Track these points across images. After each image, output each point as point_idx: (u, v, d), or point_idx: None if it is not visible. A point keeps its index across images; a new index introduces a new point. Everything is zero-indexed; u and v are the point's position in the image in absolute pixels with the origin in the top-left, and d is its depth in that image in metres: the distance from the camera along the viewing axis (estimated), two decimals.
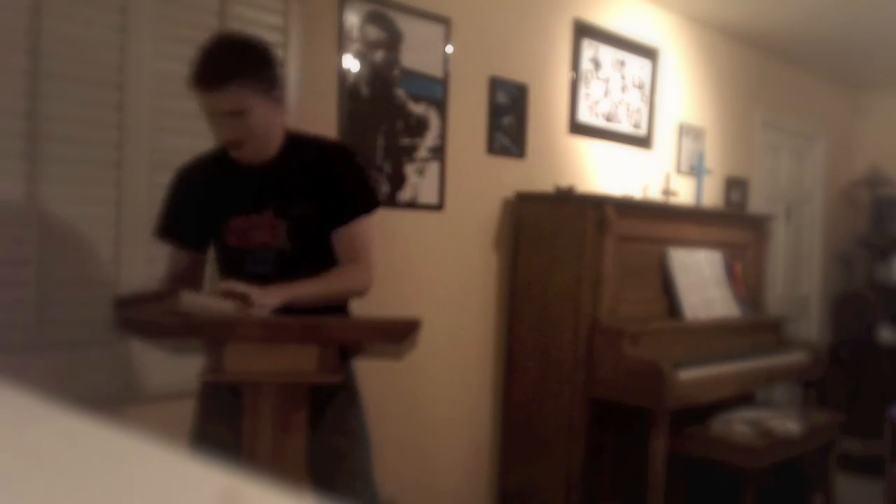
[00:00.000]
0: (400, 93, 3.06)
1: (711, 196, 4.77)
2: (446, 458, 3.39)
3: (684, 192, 4.45)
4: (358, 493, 2.00)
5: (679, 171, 4.50)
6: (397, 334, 1.71)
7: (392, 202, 3.05)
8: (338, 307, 2.04)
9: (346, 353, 1.88)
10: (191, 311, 1.62)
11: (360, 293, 1.91)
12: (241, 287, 1.71)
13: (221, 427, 1.86)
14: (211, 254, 2.02)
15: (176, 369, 2.35)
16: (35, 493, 0.34)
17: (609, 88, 4.05)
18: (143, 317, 1.67)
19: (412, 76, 3.10)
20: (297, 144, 1.89)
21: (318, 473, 1.98)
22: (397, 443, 3.08)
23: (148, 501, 0.35)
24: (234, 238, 1.89)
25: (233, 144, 1.78)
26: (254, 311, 1.69)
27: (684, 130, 4.59)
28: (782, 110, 5.50)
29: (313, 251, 1.89)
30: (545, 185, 3.64)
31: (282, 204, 1.84)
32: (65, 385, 2.15)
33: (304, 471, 1.76)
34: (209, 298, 1.71)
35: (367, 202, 1.91)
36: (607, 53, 4.01)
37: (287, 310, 1.75)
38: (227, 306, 1.66)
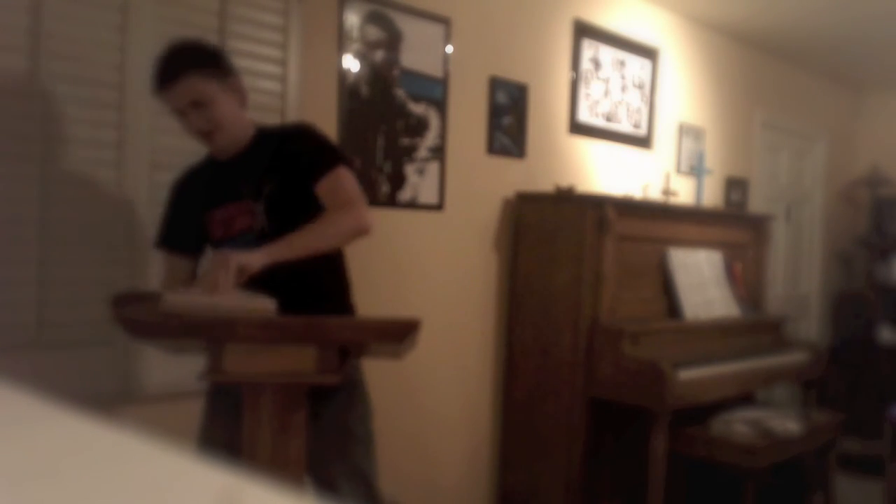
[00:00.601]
0: (400, 93, 3.06)
1: (711, 196, 4.77)
2: (446, 458, 3.39)
3: (684, 192, 4.45)
4: (360, 492, 2.00)
5: (679, 171, 4.50)
6: (397, 334, 1.71)
7: (392, 202, 3.05)
8: (341, 301, 2.04)
9: (350, 352, 1.89)
10: (177, 310, 1.60)
11: (356, 233, 1.86)
12: (217, 258, 1.68)
13: (228, 427, 1.86)
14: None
15: (176, 369, 2.35)
16: (35, 493, 0.34)
17: (609, 88, 4.05)
18: (143, 317, 1.67)
19: (412, 76, 3.10)
20: (266, 134, 2.00)
21: (320, 472, 1.98)
22: (398, 442, 3.08)
23: (148, 501, 0.35)
24: (219, 229, 1.95)
25: (204, 137, 1.90)
26: (241, 288, 1.66)
27: (684, 130, 4.59)
28: (782, 110, 5.50)
29: (293, 229, 1.86)
30: (545, 185, 3.64)
31: (255, 187, 1.92)
32: (65, 385, 2.15)
33: (304, 471, 1.77)
34: (191, 293, 1.70)
35: (331, 158, 1.95)
36: (607, 53, 4.01)
37: (290, 293, 1.73)
38: (208, 299, 1.63)
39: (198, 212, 1.97)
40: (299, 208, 1.90)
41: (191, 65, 1.85)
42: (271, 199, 1.91)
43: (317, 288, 1.97)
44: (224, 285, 1.61)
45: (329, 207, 1.88)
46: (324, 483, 1.99)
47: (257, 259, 1.69)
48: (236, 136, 1.94)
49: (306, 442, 1.91)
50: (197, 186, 2.01)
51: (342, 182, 1.91)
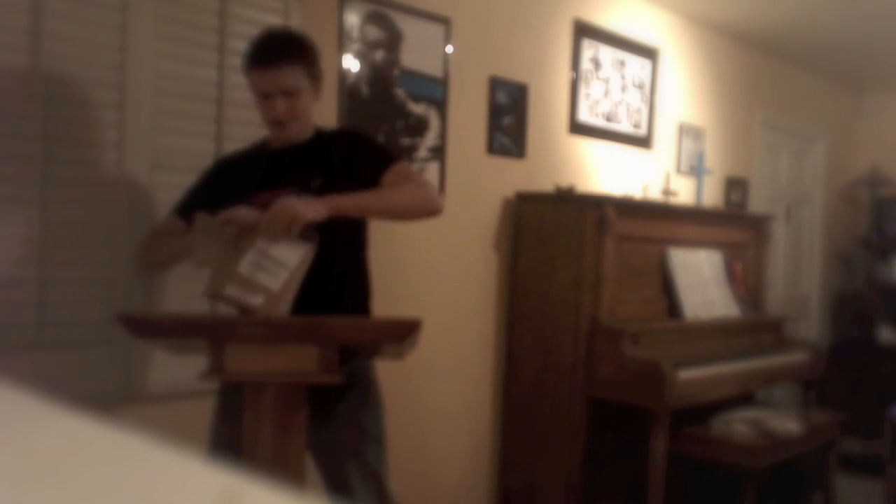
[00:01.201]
0: (400, 93, 3.06)
1: (711, 196, 4.77)
2: (447, 458, 3.39)
3: (684, 192, 4.45)
4: (372, 491, 2.00)
5: (679, 171, 4.50)
6: (398, 334, 1.71)
7: None
8: (359, 306, 2.05)
9: (362, 353, 1.89)
10: (207, 233, 1.69)
11: (426, 207, 1.95)
12: (282, 204, 1.74)
13: (233, 427, 1.86)
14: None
15: (176, 369, 2.35)
16: (36, 493, 0.34)
17: (609, 88, 4.05)
18: (146, 317, 1.67)
19: (412, 76, 3.10)
20: (323, 134, 2.08)
21: (333, 471, 1.99)
22: (398, 441, 3.07)
23: (148, 501, 0.35)
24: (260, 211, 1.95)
25: (277, 124, 1.96)
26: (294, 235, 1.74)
27: (684, 130, 4.59)
28: (782, 110, 5.50)
29: (334, 225, 1.90)
30: (545, 185, 3.64)
31: (305, 179, 1.96)
32: (65, 385, 2.15)
33: (304, 470, 1.77)
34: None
35: (391, 154, 2.06)
36: (607, 53, 4.01)
37: (314, 296, 1.78)
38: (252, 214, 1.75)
39: (241, 193, 1.96)
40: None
41: (294, 55, 1.93)
42: (319, 192, 1.94)
43: (341, 292, 1.98)
44: (282, 233, 1.72)
45: (396, 184, 1.95)
46: (336, 481, 1.99)
47: (318, 210, 1.76)
48: (302, 130, 2.02)
49: (322, 440, 1.92)
50: (243, 170, 2.05)
51: (409, 170, 2.04)
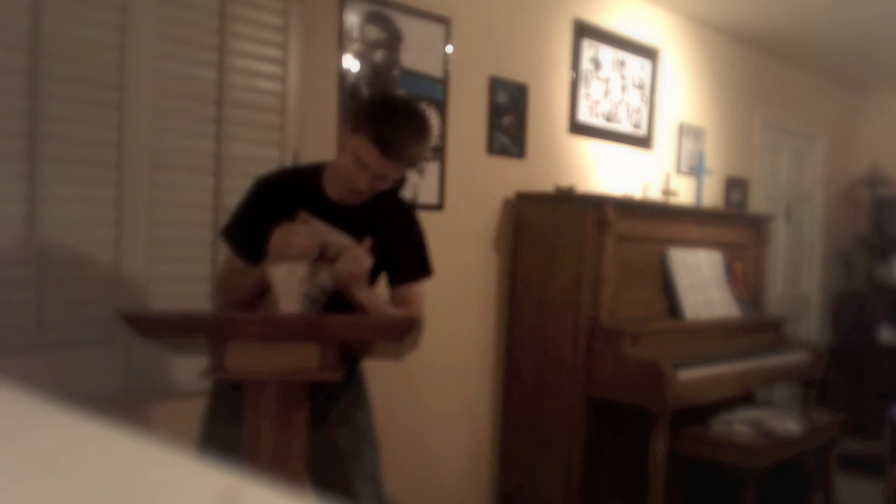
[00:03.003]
0: (400, 93, 3.06)
1: (711, 196, 4.76)
2: (446, 458, 3.39)
3: (684, 192, 4.45)
4: (366, 493, 2.00)
5: (679, 171, 4.50)
6: (397, 332, 1.71)
7: None
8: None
9: (354, 354, 1.89)
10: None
11: (396, 337, 1.81)
12: (356, 255, 1.78)
13: (231, 428, 1.86)
14: None
15: (176, 369, 2.35)
16: (36, 493, 0.34)
17: (609, 88, 4.05)
18: (147, 315, 1.67)
19: (412, 76, 3.10)
20: (380, 198, 1.97)
21: (327, 473, 1.98)
22: (398, 441, 3.07)
23: (148, 501, 0.35)
24: None
25: (356, 192, 1.87)
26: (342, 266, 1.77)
27: (684, 130, 4.59)
28: (782, 110, 5.50)
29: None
30: (545, 185, 3.64)
31: (357, 237, 1.87)
32: (65, 385, 2.15)
33: (305, 469, 1.77)
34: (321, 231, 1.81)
35: (426, 267, 2.04)
36: (607, 53, 4.01)
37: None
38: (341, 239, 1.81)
39: (274, 222, 1.86)
40: (374, 280, 1.96)
41: (413, 158, 1.93)
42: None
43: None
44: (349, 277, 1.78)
45: (401, 305, 1.95)
46: (335, 483, 1.98)
47: (363, 266, 1.81)
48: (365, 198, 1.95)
49: (317, 441, 1.92)
50: (286, 197, 1.92)
51: (421, 296, 2.01)
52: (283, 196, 1.94)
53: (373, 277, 1.94)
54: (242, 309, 1.93)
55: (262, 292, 1.82)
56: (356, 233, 1.87)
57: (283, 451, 1.68)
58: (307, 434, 1.73)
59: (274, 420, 1.67)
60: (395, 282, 1.98)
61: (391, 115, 1.85)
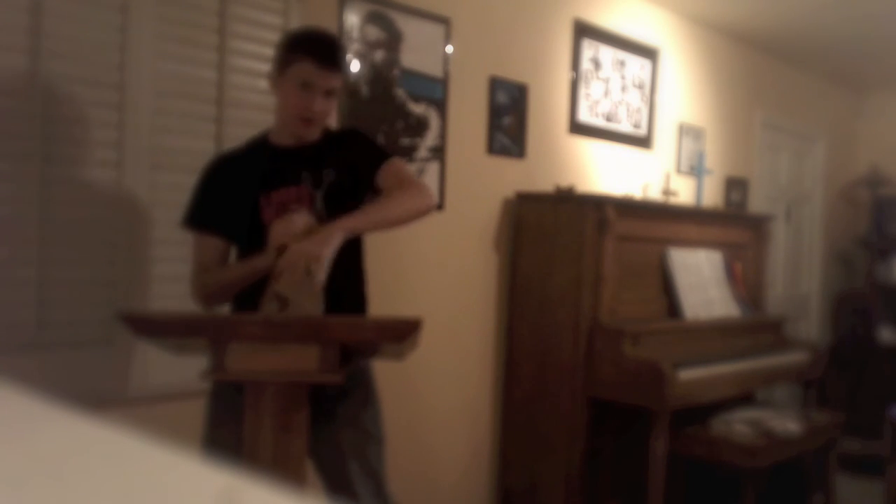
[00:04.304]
0: (400, 93, 3.06)
1: (711, 196, 4.76)
2: (447, 458, 3.39)
3: (684, 192, 4.45)
4: (371, 492, 2.00)
5: (679, 171, 4.50)
6: (399, 334, 1.71)
7: None
8: (356, 304, 2.06)
9: (361, 353, 1.89)
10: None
11: (426, 209, 2.00)
12: (293, 255, 1.74)
13: (232, 431, 1.86)
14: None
15: (176, 370, 2.35)
16: (36, 493, 0.34)
17: (609, 88, 4.05)
18: (147, 316, 1.67)
19: (412, 76, 3.10)
20: (328, 133, 2.10)
21: (332, 471, 1.99)
22: (398, 441, 3.07)
23: (148, 501, 0.35)
24: (273, 211, 1.95)
25: (306, 121, 1.96)
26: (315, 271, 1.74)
27: (684, 130, 4.59)
28: (782, 110, 5.50)
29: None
30: (545, 185, 3.64)
31: (316, 175, 1.98)
32: (65, 385, 2.15)
33: (305, 470, 1.77)
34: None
35: (385, 152, 2.11)
36: (607, 53, 4.01)
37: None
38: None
39: (249, 193, 1.96)
40: (355, 200, 2.00)
41: (344, 61, 2.07)
42: (331, 188, 1.98)
43: (339, 299, 1.97)
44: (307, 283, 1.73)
45: (394, 189, 1.98)
46: (337, 482, 1.99)
47: (334, 242, 1.77)
48: (319, 130, 2.04)
49: (323, 441, 1.92)
50: (245, 170, 2.01)
51: (402, 168, 2.08)
52: (237, 164, 2.03)
53: (356, 199, 2.00)
54: (224, 301, 2.02)
55: (257, 283, 1.83)
56: (317, 165, 1.98)
57: (283, 451, 1.68)
58: (308, 435, 1.73)
59: (274, 421, 1.67)
60: (369, 177, 2.01)
61: (308, 34, 2.02)
